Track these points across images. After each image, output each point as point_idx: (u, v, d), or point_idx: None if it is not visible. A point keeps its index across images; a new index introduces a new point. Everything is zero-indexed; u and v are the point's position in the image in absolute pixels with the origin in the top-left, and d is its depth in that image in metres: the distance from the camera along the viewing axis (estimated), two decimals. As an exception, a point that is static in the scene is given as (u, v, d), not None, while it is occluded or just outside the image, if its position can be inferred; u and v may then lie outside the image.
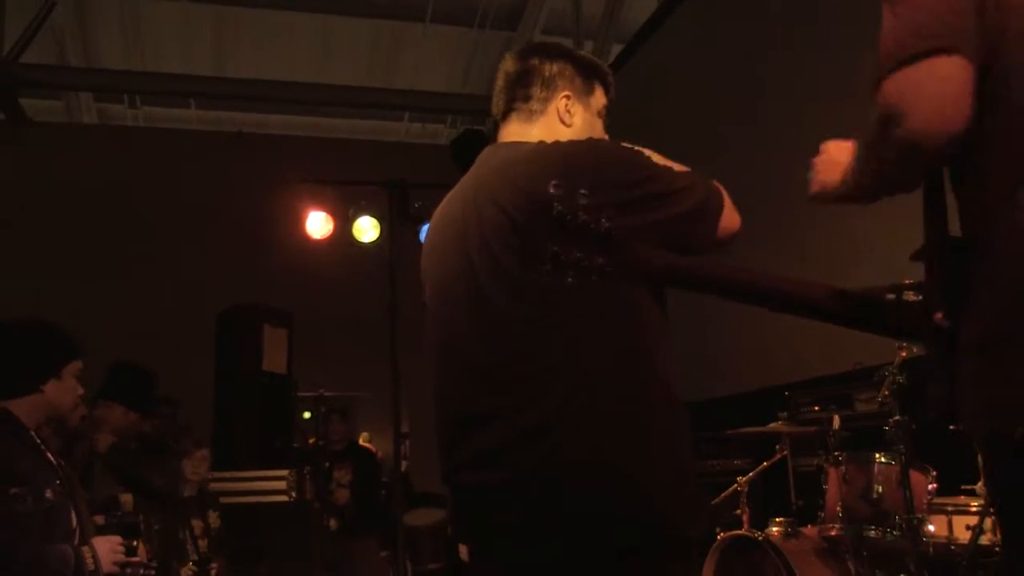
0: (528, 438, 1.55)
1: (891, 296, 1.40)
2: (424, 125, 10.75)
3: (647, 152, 1.74)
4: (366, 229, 7.63)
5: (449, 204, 1.89)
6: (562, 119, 1.88)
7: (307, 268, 8.09)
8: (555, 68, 1.90)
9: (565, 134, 1.85)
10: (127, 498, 3.51)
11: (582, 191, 1.28)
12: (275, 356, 6.36)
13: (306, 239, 7.74)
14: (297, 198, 7.82)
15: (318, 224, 7.70)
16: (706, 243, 1.70)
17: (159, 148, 9.20)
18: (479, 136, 7.99)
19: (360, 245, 7.66)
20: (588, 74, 1.94)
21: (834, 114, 5.42)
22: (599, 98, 1.95)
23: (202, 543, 3.74)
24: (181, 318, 7.82)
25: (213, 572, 3.73)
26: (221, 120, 10.23)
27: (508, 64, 1.94)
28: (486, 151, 1.88)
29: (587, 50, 9.11)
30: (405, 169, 8.13)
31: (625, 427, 1.54)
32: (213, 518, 3.94)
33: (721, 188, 1.74)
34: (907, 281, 3.13)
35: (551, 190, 1.28)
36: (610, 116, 2.01)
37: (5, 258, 7.98)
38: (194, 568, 3.57)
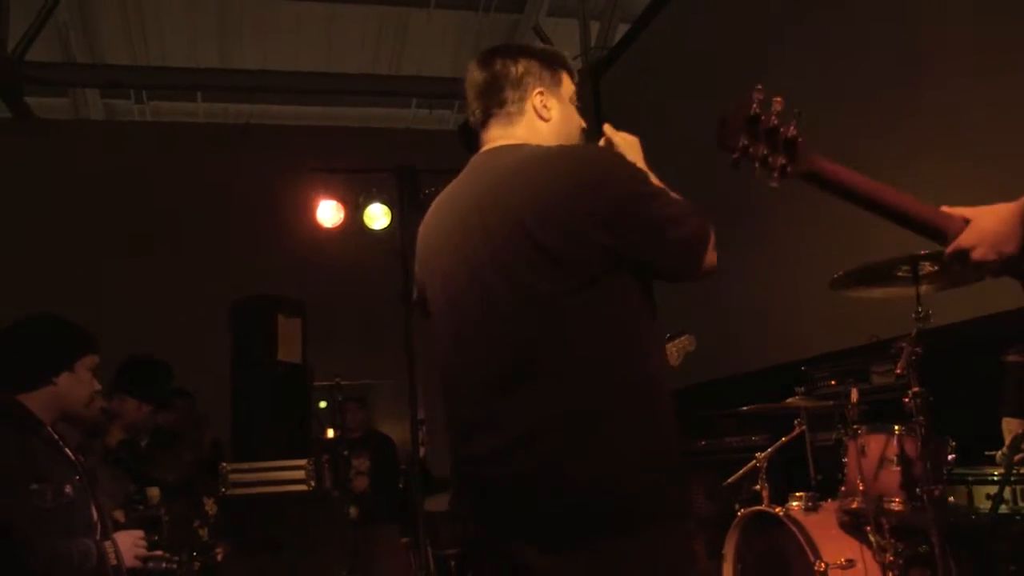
0: (533, 439, 1.68)
1: None
2: (431, 111, 10.72)
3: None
4: (377, 216, 7.61)
5: (443, 212, 1.97)
6: (540, 115, 1.96)
7: (319, 257, 8.09)
8: (521, 67, 1.97)
9: (545, 128, 1.96)
10: (154, 491, 3.51)
11: None
12: (290, 346, 6.36)
13: (317, 228, 7.74)
14: (307, 187, 7.82)
15: (329, 213, 7.70)
16: (688, 274, 1.79)
17: (167, 142, 9.19)
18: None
19: (371, 232, 7.66)
20: (553, 66, 2.01)
21: (843, 92, 5.38)
22: (568, 86, 2.03)
23: (202, 532, 3.75)
24: (194, 310, 7.83)
25: (219, 557, 3.74)
26: (228, 112, 10.22)
27: (474, 74, 2.00)
28: (479, 157, 1.96)
29: (593, 31, 9.07)
30: (414, 155, 8.11)
31: (622, 426, 1.68)
32: (209, 504, 3.95)
33: (709, 226, 1.79)
34: (923, 252, 3.11)
35: (752, 99, 1.46)
36: (580, 101, 2.07)
37: (15, 254, 8.01)
38: (199, 557, 3.58)
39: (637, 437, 1.69)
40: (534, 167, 1.80)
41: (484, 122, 1.99)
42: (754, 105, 1.47)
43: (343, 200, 7.71)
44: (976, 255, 1.47)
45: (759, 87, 1.48)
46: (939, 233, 1.52)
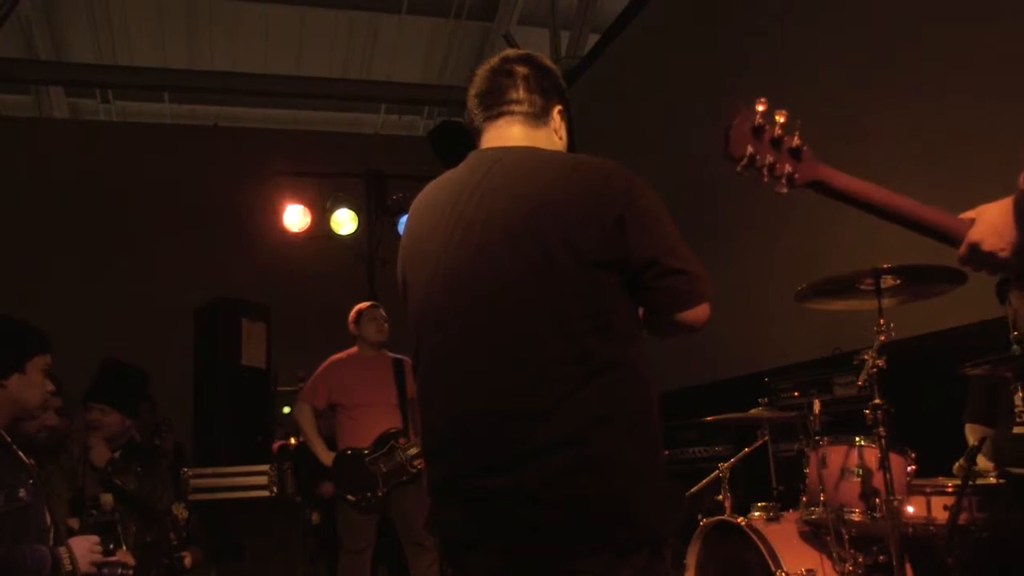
0: (565, 442, 1.60)
1: None
2: (400, 117, 10.71)
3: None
4: (343, 221, 7.59)
5: (442, 208, 1.84)
6: (556, 131, 1.94)
7: (285, 262, 8.04)
8: (550, 81, 1.94)
9: (560, 147, 1.93)
10: (108, 498, 3.43)
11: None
12: (254, 351, 6.31)
13: (283, 232, 7.70)
14: (274, 191, 7.78)
15: (295, 217, 7.66)
16: (666, 312, 1.73)
17: (133, 143, 9.10)
18: (457, 127, 7.98)
19: (338, 238, 7.63)
20: (565, 94, 1.99)
21: (811, 98, 5.44)
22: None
23: (172, 536, 3.68)
24: (158, 314, 7.75)
25: (187, 561, 3.67)
26: (196, 114, 10.13)
27: (506, 66, 1.93)
28: (505, 152, 1.85)
29: (563, 40, 9.10)
30: (382, 161, 8.10)
31: (641, 432, 1.66)
32: (179, 509, 3.87)
33: (708, 286, 1.74)
34: (885, 265, 3.15)
35: (756, 111, 1.51)
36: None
37: (-23, 256, 7.88)
38: (166, 561, 3.52)
39: (655, 456, 1.70)
40: (598, 180, 1.72)
41: (499, 115, 1.91)
42: (758, 116, 1.53)
43: (310, 205, 7.68)
44: (986, 246, 1.55)
45: (762, 99, 1.55)
46: (950, 235, 1.60)
